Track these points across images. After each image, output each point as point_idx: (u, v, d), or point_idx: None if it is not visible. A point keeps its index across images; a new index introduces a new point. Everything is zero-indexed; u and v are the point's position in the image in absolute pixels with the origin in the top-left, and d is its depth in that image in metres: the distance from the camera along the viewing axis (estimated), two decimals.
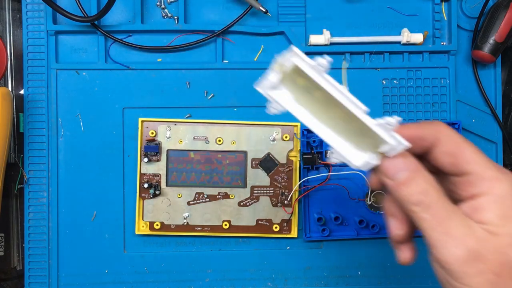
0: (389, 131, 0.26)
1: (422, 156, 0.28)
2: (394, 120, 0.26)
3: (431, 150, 0.28)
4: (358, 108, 0.26)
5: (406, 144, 0.26)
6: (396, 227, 0.29)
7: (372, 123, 0.26)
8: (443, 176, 0.28)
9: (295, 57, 0.27)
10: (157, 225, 0.49)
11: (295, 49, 0.26)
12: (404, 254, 0.30)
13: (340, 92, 0.26)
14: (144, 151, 0.48)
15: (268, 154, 0.49)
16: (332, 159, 0.28)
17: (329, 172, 0.49)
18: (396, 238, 0.30)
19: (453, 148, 0.27)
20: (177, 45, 0.49)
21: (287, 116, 0.50)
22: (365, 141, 0.28)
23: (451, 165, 0.27)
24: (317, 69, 0.26)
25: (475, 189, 0.26)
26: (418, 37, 0.50)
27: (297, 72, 0.27)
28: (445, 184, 0.28)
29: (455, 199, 0.28)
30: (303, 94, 0.28)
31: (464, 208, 0.27)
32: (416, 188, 0.26)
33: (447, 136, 0.28)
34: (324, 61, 0.26)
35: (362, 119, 0.26)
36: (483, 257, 0.25)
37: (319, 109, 0.28)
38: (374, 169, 0.28)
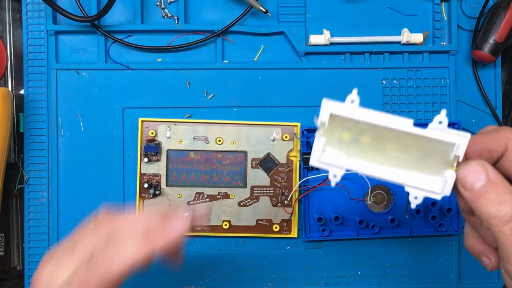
0: (444, 130, 0.25)
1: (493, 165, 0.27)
2: (441, 114, 0.25)
3: (499, 158, 0.27)
4: (405, 123, 0.25)
5: (467, 134, 0.25)
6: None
7: (425, 132, 0.25)
8: None
9: (327, 108, 0.26)
10: None
11: (324, 100, 0.26)
12: (495, 258, 0.29)
13: (381, 117, 0.26)
14: (144, 151, 0.48)
15: (268, 154, 0.49)
16: (413, 200, 0.27)
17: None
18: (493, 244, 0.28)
19: None
20: (177, 45, 0.49)
21: (287, 116, 0.50)
22: (432, 162, 0.27)
23: None
24: (351, 107, 0.26)
25: None
26: (418, 37, 0.50)
27: (339, 126, 0.27)
28: None
29: None
30: (353, 147, 0.27)
31: None
32: (494, 199, 0.25)
33: None
34: (353, 95, 0.26)
35: (413, 131, 0.25)
36: None
37: (374, 154, 0.27)
38: (456, 191, 0.27)
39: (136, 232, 0.28)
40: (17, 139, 0.50)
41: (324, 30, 0.50)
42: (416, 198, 0.27)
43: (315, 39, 0.49)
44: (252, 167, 0.49)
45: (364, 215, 0.49)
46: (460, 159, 0.26)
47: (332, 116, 0.26)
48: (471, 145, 0.26)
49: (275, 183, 0.49)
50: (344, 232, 0.50)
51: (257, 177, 0.49)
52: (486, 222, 0.25)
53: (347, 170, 0.27)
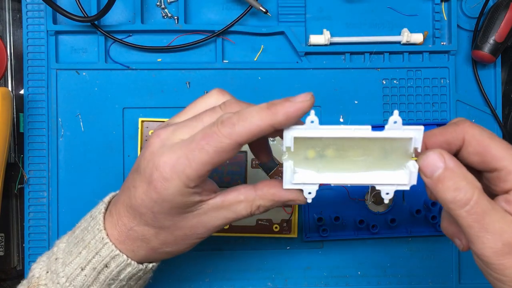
0: (400, 128, 0.27)
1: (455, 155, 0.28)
2: (395, 115, 0.27)
3: (459, 150, 0.28)
4: (363, 130, 0.27)
5: (421, 127, 0.27)
6: None
7: (384, 134, 0.27)
8: (478, 172, 0.29)
9: (290, 134, 0.28)
10: None
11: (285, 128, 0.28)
12: (465, 240, 0.30)
13: (341, 130, 0.28)
14: None
15: None
16: (385, 196, 0.29)
17: None
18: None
19: (479, 147, 0.28)
20: (177, 45, 0.49)
21: None
22: (394, 158, 0.28)
23: (480, 164, 0.28)
24: (312, 127, 0.28)
25: (507, 184, 0.27)
26: (418, 37, 0.50)
27: (302, 146, 0.29)
28: (481, 180, 0.28)
29: (493, 193, 0.28)
30: (320, 162, 0.29)
31: (500, 202, 0.27)
32: (451, 185, 0.26)
33: (471, 137, 0.28)
34: (312, 116, 0.28)
35: (373, 136, 0.27)
36: None
37: (341, 163, 0.29)
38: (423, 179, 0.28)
39: (259, 105, 0.29)
40: (17, 139, 0.50)
41: (324, 30, 0.50)
42: (387, 193, 0.29)
43: (315, 39, 0.49)
44: (252, 167, 0.49)
45: (364, 215, 0.49)
46: (419, 150, 0.28)
47: (294, 139, 0.28)
48: (432, 139, 0.28)
49: None
50: (344, 232, 0.50)
51: (257, 177, 0.49)
52: (446, 207, 0.27)
53: (320, 186, 0.29)
